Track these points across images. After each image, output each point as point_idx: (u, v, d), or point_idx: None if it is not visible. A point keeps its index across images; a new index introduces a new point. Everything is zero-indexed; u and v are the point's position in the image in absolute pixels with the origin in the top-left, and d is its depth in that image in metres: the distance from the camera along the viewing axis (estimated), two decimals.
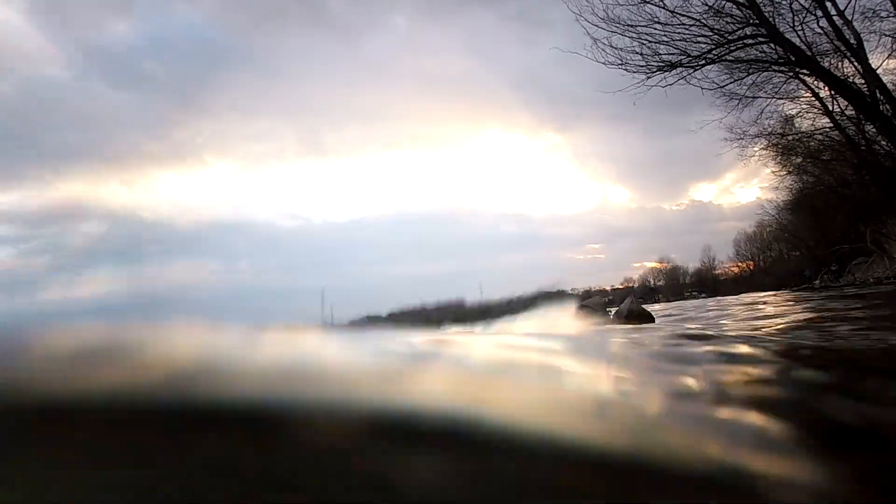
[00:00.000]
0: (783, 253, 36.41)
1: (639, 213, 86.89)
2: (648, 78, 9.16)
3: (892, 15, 9.22)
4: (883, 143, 11.01)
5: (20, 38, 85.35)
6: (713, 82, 9.93)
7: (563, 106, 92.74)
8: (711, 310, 6.84)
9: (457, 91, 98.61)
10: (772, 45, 9.00)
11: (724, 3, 8.71)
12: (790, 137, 13.37)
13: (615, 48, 9.05)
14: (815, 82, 10.65)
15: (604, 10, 8.87)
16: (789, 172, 16.26)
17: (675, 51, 9.02)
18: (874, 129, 10.62)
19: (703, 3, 8.75)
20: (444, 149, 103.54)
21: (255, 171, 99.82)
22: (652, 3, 8.75)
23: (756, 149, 12.96)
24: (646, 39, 8.96)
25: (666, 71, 9.12)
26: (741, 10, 8.71)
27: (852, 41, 8.97)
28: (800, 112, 12.57)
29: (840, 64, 9.69)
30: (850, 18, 8.94)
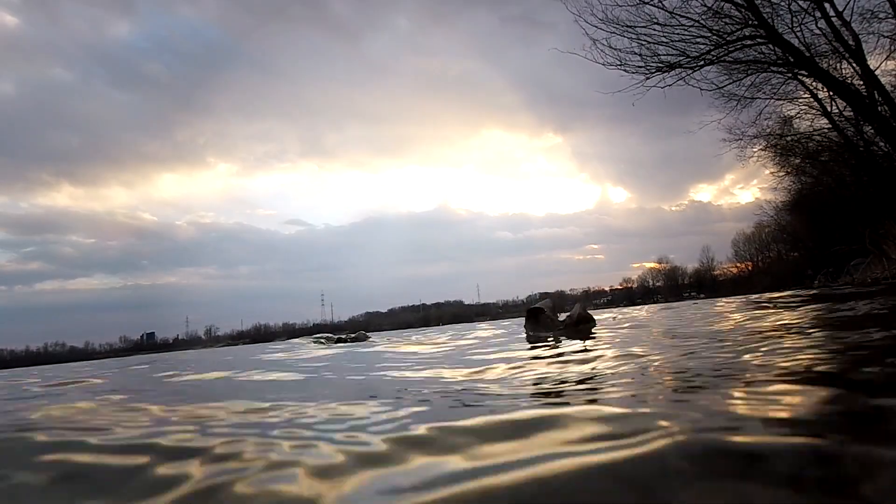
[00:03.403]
0: (781, 254, 36.48)
1: (638, 214, 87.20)
2: (647, 79, 9.17)
3: (890, 16, 9.24)
4: (881, 144, 11.03)
5: (22, 39, 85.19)
6: (712, 83, 9.95)
7: (563, 107, 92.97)
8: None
9: (458, 92, 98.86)
10: (770, 46, 9.00)
11: (722, 3, 8.72)
12: (789, 138, 13.40)
13: (614, 49, 9.06)
14: (814, 83, 10.68)
15: (603, 11, 8.88)
16: (788, 173, 16.30)
17: (674, 52, 9.03)
18: (872, 131, 10.63)
19: (701, 4, 8.76)
20: (445, 149, 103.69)
21: (256, 172, 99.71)
22: (651, 4, 8.76)
23: (755, 149, 12.99)
24: (645, 40, 8.97)
25: (665, 72, 9.12)
26: (740, 11, 8.72)
27: (851, 42, 8.98)
28: (798, 113, 12.60)
29: (838, 65, 9.71)
30: (848, 20, 8.96)
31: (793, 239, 28.87)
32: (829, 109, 11.61)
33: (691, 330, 3.06)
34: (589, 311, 5.15)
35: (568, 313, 5.13)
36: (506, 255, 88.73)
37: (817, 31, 9.18)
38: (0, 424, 1.23)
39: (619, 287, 63.41)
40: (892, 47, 9.69)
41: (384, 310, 70.24)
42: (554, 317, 5.00)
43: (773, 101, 11.42)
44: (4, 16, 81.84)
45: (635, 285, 61.65)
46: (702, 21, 8.85)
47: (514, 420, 0.93)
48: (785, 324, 2.71)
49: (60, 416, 1.34)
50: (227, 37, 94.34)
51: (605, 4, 8.83)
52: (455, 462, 0.72)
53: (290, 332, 65.98)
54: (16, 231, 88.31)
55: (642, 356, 1.93)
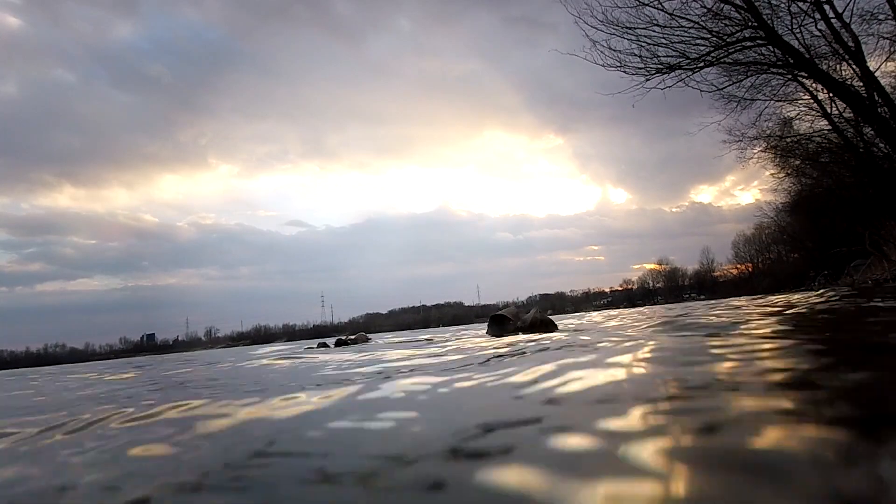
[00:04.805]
0: (782, 255, 36.46)
1: (639, 215, 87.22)
2: (647, 80, 9.17)
3: (890, 18, 9.24)
4: (881, 145, 11.02)
5: (24, 40, 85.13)
6: (712, 84, 9.95)
7: (564, 108, 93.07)
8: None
9: (459, 93, 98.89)
10: (770, 47, 9.01)
11: (722, 5, 8.72)
12: (789, 139, 13.39)
13: (614, 50, 9.07)
14: (814, 85, 10.67)
15: (602, 13, 8.88)
16: (788, 174, 16.29)
17: (674, 53, 9.03)
18: (872, 132, 10.63)
19: (701, 6, 8.76)
20: (446, 150, 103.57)
21: (257, 173, 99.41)
22: (651, 6, 8.76)
23: (755, 151, 12.98)
24: (644, 42, 8.97)
25: (664, 73, 9.12)
26: (739, 13, 8.72)
27: (850, 44, 8.98)
28: (798, 114, 12.59)
29: (838, 66, 9.70)
30: (848, 21, 8.95)
31: (793, 240, 28.83)
32: (828, 111, 11.60)
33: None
34: (550, 316, 5.82)
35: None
36: (506, 257, 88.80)
37: (817, 33, 9.18)
38: None
39: (619, 288, 63.42)
40: (892, 49, 9.69)
41: (384, 311, 70.23)
42: (515, 322, 5.59)
43: (772, 102, 11.41)
44: (7, 17, 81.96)
45: (635, 286, 61.64)
46: (701, 23, 8.86)
47: None
48: None
49: None
50: (228, 38, 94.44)
51: (605, 6, 8.84)
52: None
53: (290, 333, 65.87)
54: (17, 232, 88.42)
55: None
